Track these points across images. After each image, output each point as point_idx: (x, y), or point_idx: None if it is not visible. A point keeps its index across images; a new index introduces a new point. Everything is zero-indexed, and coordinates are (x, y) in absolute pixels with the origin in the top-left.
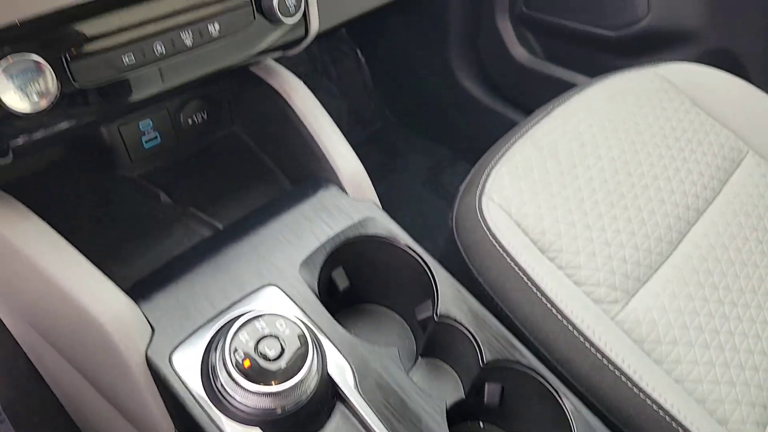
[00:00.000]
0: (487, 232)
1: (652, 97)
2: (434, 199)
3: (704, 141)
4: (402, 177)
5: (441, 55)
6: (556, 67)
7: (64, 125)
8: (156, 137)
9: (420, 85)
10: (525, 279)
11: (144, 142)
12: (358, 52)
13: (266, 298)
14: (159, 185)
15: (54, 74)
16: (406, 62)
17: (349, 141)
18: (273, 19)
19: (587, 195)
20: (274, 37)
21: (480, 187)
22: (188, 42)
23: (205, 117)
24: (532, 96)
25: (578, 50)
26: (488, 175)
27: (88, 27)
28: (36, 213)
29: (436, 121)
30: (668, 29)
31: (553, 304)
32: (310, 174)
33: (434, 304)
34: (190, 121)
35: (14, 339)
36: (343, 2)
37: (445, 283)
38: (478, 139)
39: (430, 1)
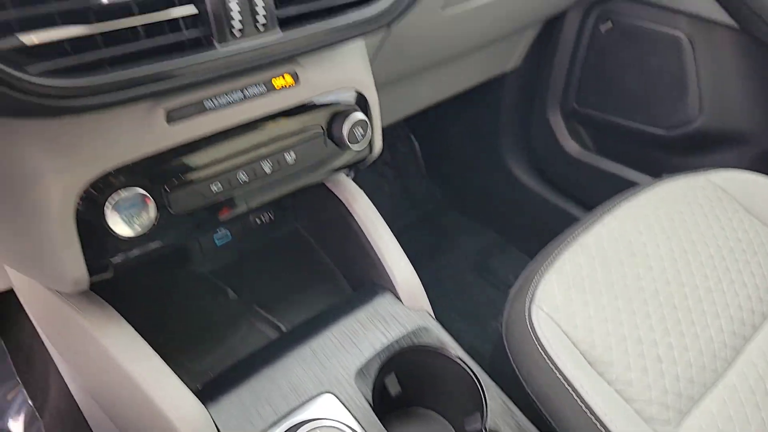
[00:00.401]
0: (536, 342)
1: (705, 205)
2: (482, 283)
3: (759, 251)
4: (451, 259)
5: (493, 143)
6: (608, 161)
7: (158, 245)
8: (227, 235)
9: (471, 170)
10: (573, 394)
11: (216, 240)
12: (412, 137)
13: (323, 405)
14: (227, 281)
15: (155, 204)
16: (458, 148)
17: (400, 222)
18: (342, 146)
19: (638, 307)
20: (343, 160)
21: (530, 294)
22: (267, 170)
23: (272, 217)
24: (584, 188)
25: (630, 146)
26: (538, 282)
27: (185, 163)
28: (111, 304)
29: (486, 205)
30: (720, 131)
31: (602, 423)
32: (366, 277)
33: (483, 418)
34: (258, 220)
35: (78, 407)
36: (402, 102)
37: (494, 397)
38: (528, 226)
39: (483, 93)
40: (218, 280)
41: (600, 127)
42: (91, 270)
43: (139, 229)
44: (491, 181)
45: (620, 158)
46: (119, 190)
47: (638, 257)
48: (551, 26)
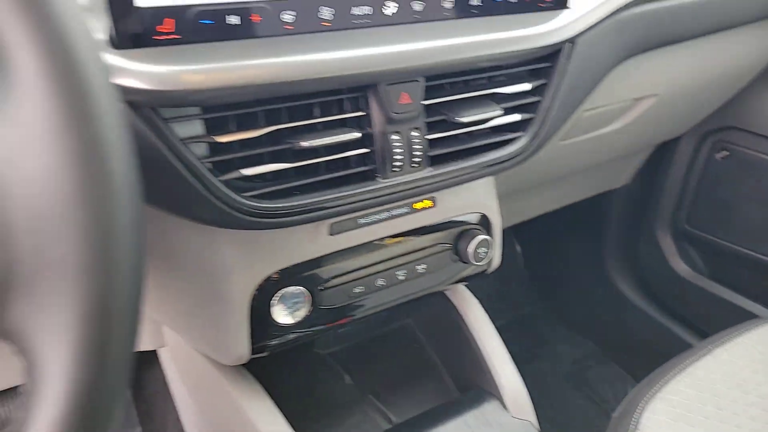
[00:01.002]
0: None
1: None
2: (577, 395)
3: None
4: (545, 366)
5: (597, 254)
6: (722, 287)
7: (307, 332)
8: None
9: (572, 278)
10: None
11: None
12: (514, 238)
13: None
14: (343, 365)
15: (311, 299)
16: (560, 254)
17: (495, 322)
18: (466, 262)
19: None
20: (465, 273)
21: (634, 421)
22: (401, 277)
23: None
24: (693, 312)
25: (747, 274)
26: (643, 409)
27: (337, 267)
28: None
29: (586, 315)
30: None
31: None
32: (472, 380)
33: None
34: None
35: None
36: (511, 213)
37: None
38: (630, 342)
39: (591, 205)
40: (336, 363)
41: (713, 251)
42: (254, 350)
43: (296, 319)
44: (593, 292)
45: (735, 285)
46: (286, 287)
47: (750, 396)
48: (664, 148)
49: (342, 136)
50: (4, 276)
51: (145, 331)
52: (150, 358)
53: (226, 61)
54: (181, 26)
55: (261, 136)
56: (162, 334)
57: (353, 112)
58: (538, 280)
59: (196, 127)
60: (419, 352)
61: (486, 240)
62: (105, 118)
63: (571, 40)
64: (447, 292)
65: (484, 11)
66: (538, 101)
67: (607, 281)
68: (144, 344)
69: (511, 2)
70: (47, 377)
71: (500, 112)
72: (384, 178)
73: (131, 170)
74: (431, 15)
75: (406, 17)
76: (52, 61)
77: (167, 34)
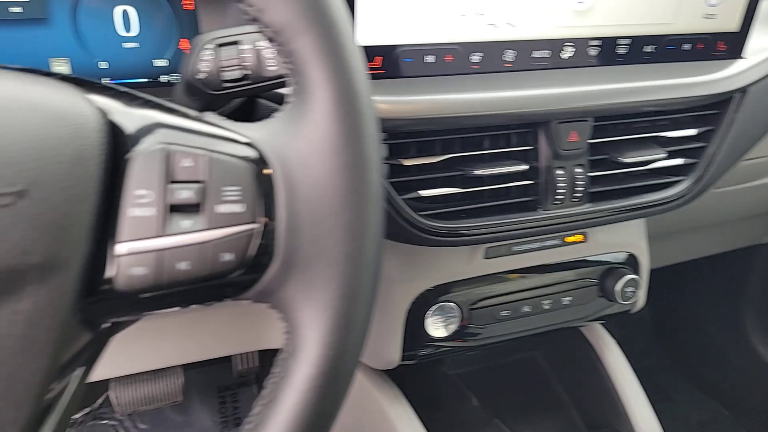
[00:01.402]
0: None
1: None
2: None
3: None
4: (668, 425)
5: (735, 312)
6: None
7: (453, 345)
8: None
9: (702, 335)
10: None
11: None
12: None
13: None
14: (470, 387)
15: (461, 316)
16: (691, 307)
17: None
18: (611, 300)
19: None
20: (608, 311)
21: None
22: (546, 306)
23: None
24: None
25: None
26: None
27: (488, 290)
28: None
29: (716, 376)
30: None
31: None
32: (603, 419)
33: None
34: None
35: None
36: None
37: None
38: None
39: (730, 260)
40: (463, 384)
41: None
42: (404, 357)
43: (446, 333)
44: (728, 353)
45: None
46: (440, 303)
47: None
48: None
49: (512, 167)
50: (288, 258)
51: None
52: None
53: (424, 94)
54: (387, 63)
55: (437, 162)
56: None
57: (521, 145)
58: (663, 331)
59: (383, 151)
60: (545, 385)
61: (634, 280)
62: (370, 140)
63: (743, 90)
64: (582, 329)
65: (657, 58)
66: (703, 147)
67: (745, 343)
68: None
69: (684, 50)
70: (306, 341)
71: (664, 155)
72: (545, 210)
73: (381, 182)
74: (605, 60)
75: (581, 61)
76: (343, 97)
77: (375, 69)
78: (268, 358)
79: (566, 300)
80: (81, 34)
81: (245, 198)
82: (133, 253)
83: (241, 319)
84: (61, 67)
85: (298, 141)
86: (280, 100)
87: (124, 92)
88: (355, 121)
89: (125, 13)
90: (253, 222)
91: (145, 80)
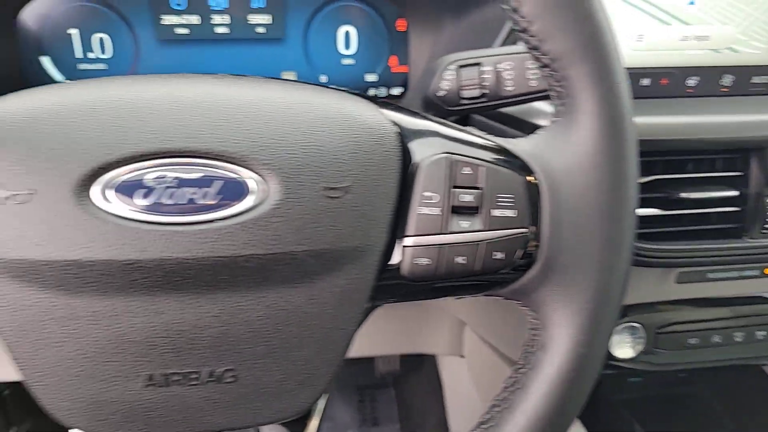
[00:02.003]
0: None
1: None
2: None
3: None
4: None
5: None
6: None
7: (635, 366)
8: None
9: None
10: None
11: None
12: None
13: None
14: (634, 414)
15: (647, 339)
16: None
17: None
18: None
19: None
20: None
21: None
22: (738, 339)
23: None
24: None
25: None
26: None
27: (676, 315)
28: None
29: None
30: None
31: None
32: None
33: None
34: None
35: None
36: None
37: None
38: None
39: None
40: (625, 410)
41: None
42: None
43: (630, 355)
44: None
45: None
46: (627, 323)
47: None
48: None
49: (721, 192)
50: (549, 262)
51: (444, 338)
52: (416, 364)
53: (638, 116)
54: None
55: (642, 183)
56: (461, 342)
57: (728, 170)
58: None
59: None
60: (712, 421)
61: None
62: (632, 159)
63: None
64: (765, 368)
65: None
66: None
67: None
68: (442, 350)
69: None
70: (558, 338)
71: None
72: (750, 238)
73: (637, 198)
74: None
75: None
76: (612, 119)
77: None
78: (409, 362)
79: (761, 334)
80: (309, 51)
81: (517, 204)
82: (419, 246)
83: (389, 322)
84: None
85: (564, 156)
86: (496, 117)
87: (405, 108)
88: (620, 142)
89: (347, 33)
90: (523, 227)
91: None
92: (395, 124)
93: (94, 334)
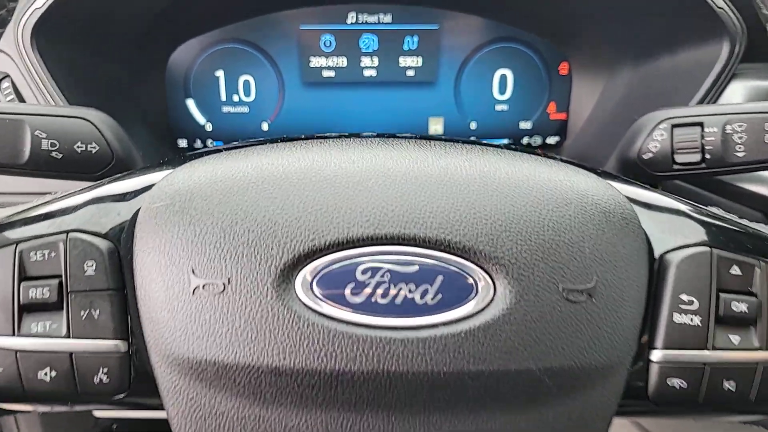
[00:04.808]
0: None
1: None
2: None
3: None
4: None
5: None
6: None
7: None
8: None
9: None
10: None
11: None
12: None
13: None
14: None
15: None
16: None
17: None
18: None
19: None
20: None
21: None
22: None
23: None
24: None
25: None
26: None
27: None
28: None
29: None
30: None
31: None
32: None
33: None
34: None
35: None
36: None
37: None
38: None
39: None
40: None
41: None
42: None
43: None
44: None
45: None
46: None
47: None
48: None
49: None
50: None
51: None
52: None
53: None
54: None
55: None
56: None
57: None
58: None
59: None
60: None
61: None
62: None
63: None
64: None
65: None
66: None
67: None
68: None
69: None
70: None
71: None
72: None
73: None
74: None
75: None
76: None
77: None
78: None
79: None
80: (460, 95)
81: None
82: (672, 363)
83: None
84: (437, 125)
85: None
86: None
87: (632, 180)
88: None
89: (503, 77)
90: None
91: (507, 141)
92: (631, 200)
93: None
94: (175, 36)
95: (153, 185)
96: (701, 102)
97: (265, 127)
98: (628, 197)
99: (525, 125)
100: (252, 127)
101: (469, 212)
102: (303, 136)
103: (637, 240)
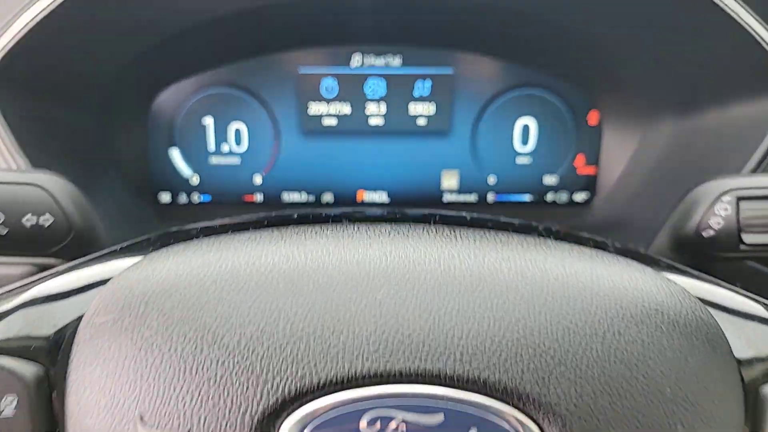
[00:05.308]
0: None
1: None
2: None
3: None
4: None
5: None
6: None
7: None
8: None
9: None
10: None
11: None
12: None
13: None
14: None
15: None
16: None
17: None
18: None
19: None
20: None
21: None
22: None
23: None
24: None
25: None
26: None
27: None
28: None
29: None
30: None
31: None
32: None
33: None
34: None
35: None
36: None
37: None
38: None
39: None
40: None
41: None
42: None
43: None
44: None
45: None
46: None
47: None
48: None
49: None
50: None
51: None
52: None
53: None
54: None
55: None
56: None
57: None
58: None
59: None
60: None
61: None
62: None
63: None
64: None
65: None
66: None
67: None
68: None
69: None
70: None
71: None
72: None
73: None
74: None
75: None
76: None
77: None
78: None
79: None
80: (477, 147)
81: None
82: None
83: None
84: (451, 180)
85: None
86: None
87: (712, 279)
88: None
89: (525, 127)
90: None
91: (530, 198)
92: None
93: None
94: (159, 79)
95: (105, 282)
96: (758, 166)
97: (257, 180)
98: (700, 298)
99: (550, 180)
100: (243, 180)
101: (512, 339)
102: (296, 216)
103: (726, 367)
